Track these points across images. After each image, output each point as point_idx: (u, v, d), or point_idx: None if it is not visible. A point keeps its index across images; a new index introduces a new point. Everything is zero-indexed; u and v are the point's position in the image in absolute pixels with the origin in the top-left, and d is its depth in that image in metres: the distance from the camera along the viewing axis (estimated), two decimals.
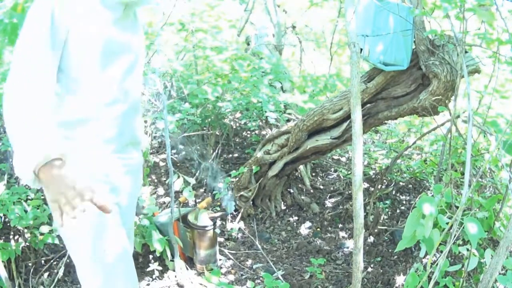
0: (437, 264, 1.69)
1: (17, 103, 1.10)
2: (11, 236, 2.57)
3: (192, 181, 2.48)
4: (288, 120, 3.61)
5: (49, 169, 1.06)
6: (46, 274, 2.55)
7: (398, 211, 3.27)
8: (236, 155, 4.17)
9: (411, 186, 3.61)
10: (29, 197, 2.52)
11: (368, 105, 2.72)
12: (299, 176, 3.77)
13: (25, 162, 1.07)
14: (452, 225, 1.63)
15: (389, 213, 3.25)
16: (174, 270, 2.52)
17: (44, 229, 2.39)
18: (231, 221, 3.21)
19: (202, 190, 3.62)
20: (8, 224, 2.42)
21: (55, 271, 2.55)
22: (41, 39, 1.12)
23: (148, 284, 2.48)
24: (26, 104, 1.10)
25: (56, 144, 1.09)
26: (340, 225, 3.24)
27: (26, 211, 2.36)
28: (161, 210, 2.95)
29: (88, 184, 1.07)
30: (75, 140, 1.25)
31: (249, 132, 4.55)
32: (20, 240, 2.51)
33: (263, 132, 4.31)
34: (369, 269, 2.65)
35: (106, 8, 1.23)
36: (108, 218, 1.28)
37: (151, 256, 2.63)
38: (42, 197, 2.59)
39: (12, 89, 1.11)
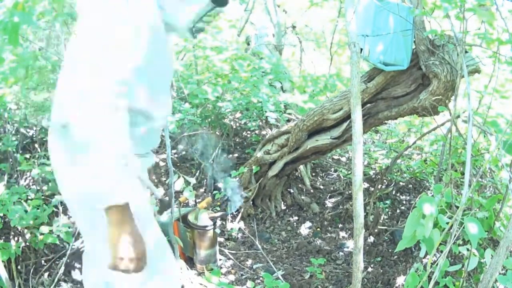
0: (437, 264, 1.69)
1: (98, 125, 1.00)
2: (11, 236, 2.57)
3: (193, 181, 2.48)
4: (288, 120, 3.61)
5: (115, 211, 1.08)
6: (46, 274, 2.54)
7: (398, 211, 3.27)
8: (236, 155, 4.17)
9: (411, 186, 3.61)
10: (29, 197, 2.52)
11: (368, 105, 2.72)
12: (299, 176, 3.77)
13: (96, 193, 1.06)
14: (452, 225, 1.63)
15: (389, 213, 3.25)
16: None
17: (44, 229, 2.39)
18: (231, 221, 3.21)
19: (202, 190, 3.62)
20: (8, 224, 2.42)
21: (55, 271, 2.55)
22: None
23: None
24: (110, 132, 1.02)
25: (126, 184, 1.08)
26: (340, 225, 3.24)
27: (26, 211, 2.36)
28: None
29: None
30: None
31: (249, 132, 4.54)
32: (20, 240, 2.51)
33: (263, 132, 4.31)
34: (369, 269, 2.65)
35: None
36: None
37: None
38: (42, 197, 2.59)
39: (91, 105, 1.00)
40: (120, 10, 1.03)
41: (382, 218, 3.12)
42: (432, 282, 1.66)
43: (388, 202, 3.29)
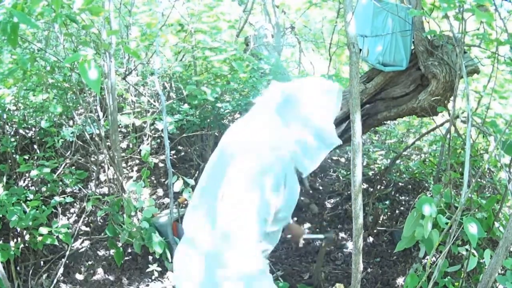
0: (436, 264, 1.69)
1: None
2: (10, 237, 2.56)
3: (192, 182, 2.48)
4: None
5: None
6: (45, 275, 2.54)
7: (397, 211, 3.27)
8: None
9: (410, 186, 3.62)
10: (28, 198, 2.52)
11: (367, 105, 2.72)
12: (298, 176, 3.76)
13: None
14: (451, 226, 1.64)
15: (388, 213, 3.25)
16: (173, 271, 2.52)
17: (44, 230, 2.38)
18: None
19: None
20: (8, 225, 2.42)
21: (54, 272, 2.54)
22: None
23: (147, 285, 2.48)
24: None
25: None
26: (339, 226, 3.24)
27: (25, 212, 2.35)
28: (161, 211, 2.94)
29: None
30: None
31: None
32: (19, 241, 2.51)
33: None
34: (369, 270, 2.65)
35: None
36: None
37: (150, 257, 2.63)
38: (41, 198, 2.58)
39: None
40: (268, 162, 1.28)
41: (381, 219, 3.12)
42: (431, 283, 1.66)
43: (387, 202, 3.29)
